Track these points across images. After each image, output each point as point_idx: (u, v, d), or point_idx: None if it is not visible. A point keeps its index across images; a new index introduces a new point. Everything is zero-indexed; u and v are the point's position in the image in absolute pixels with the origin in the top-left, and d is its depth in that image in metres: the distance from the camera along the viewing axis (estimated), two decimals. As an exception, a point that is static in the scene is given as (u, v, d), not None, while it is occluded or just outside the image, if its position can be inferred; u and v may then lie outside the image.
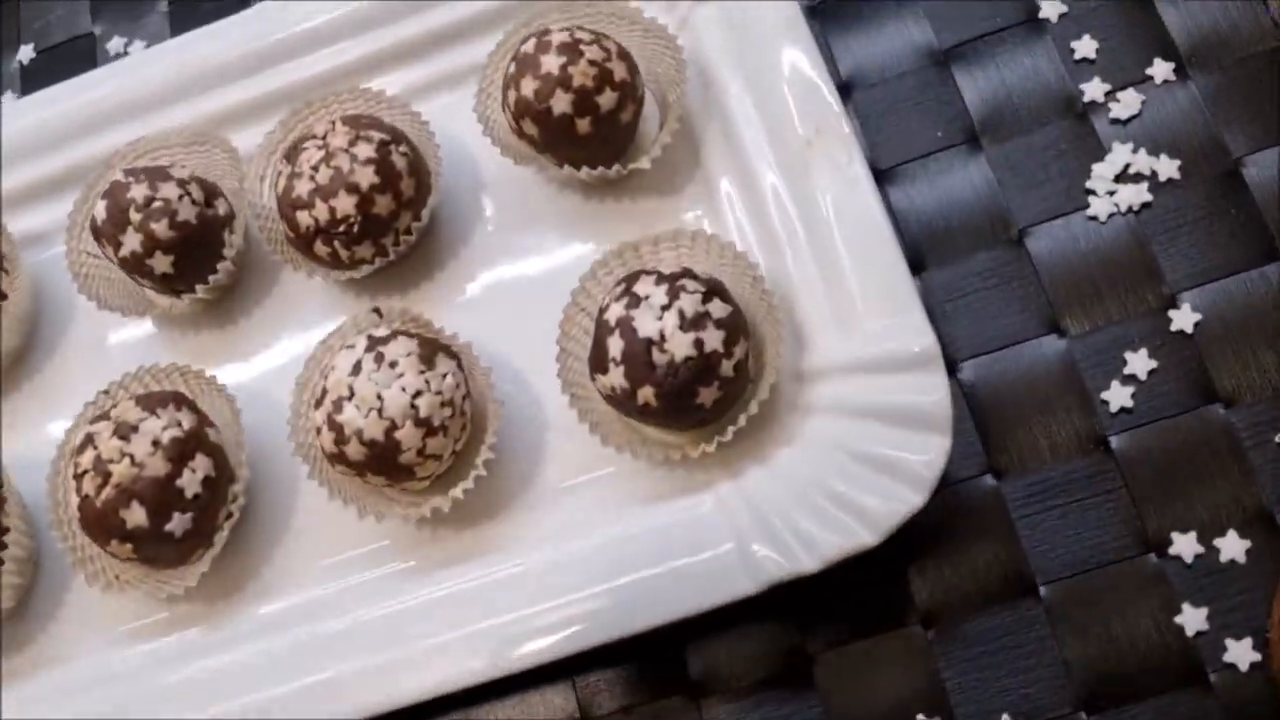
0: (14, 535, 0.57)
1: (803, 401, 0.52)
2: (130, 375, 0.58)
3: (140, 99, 0.65)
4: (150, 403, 0.55)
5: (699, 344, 0.50)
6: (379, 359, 0.52)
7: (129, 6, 0.73)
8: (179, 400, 0.56)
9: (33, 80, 0.73)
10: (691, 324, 0.50)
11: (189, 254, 0.59)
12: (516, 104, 0.56)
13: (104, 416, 0.55)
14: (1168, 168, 0.55)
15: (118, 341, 0.63)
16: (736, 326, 0.51)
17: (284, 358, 0.59)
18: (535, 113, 0.55)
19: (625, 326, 0.50)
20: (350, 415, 0.52)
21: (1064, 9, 0.59)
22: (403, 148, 0.58)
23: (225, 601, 0.57)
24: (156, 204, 0.58)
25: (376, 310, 0.57)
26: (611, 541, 0.52)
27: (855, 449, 0.50)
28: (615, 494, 0.54)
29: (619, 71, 0.56)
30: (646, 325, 0.50)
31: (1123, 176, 0.56)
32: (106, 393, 0.58)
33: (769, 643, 0.52)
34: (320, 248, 0.58)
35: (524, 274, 0.59)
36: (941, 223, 0.57)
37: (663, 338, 0.50)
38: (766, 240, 0.55)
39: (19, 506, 0.59)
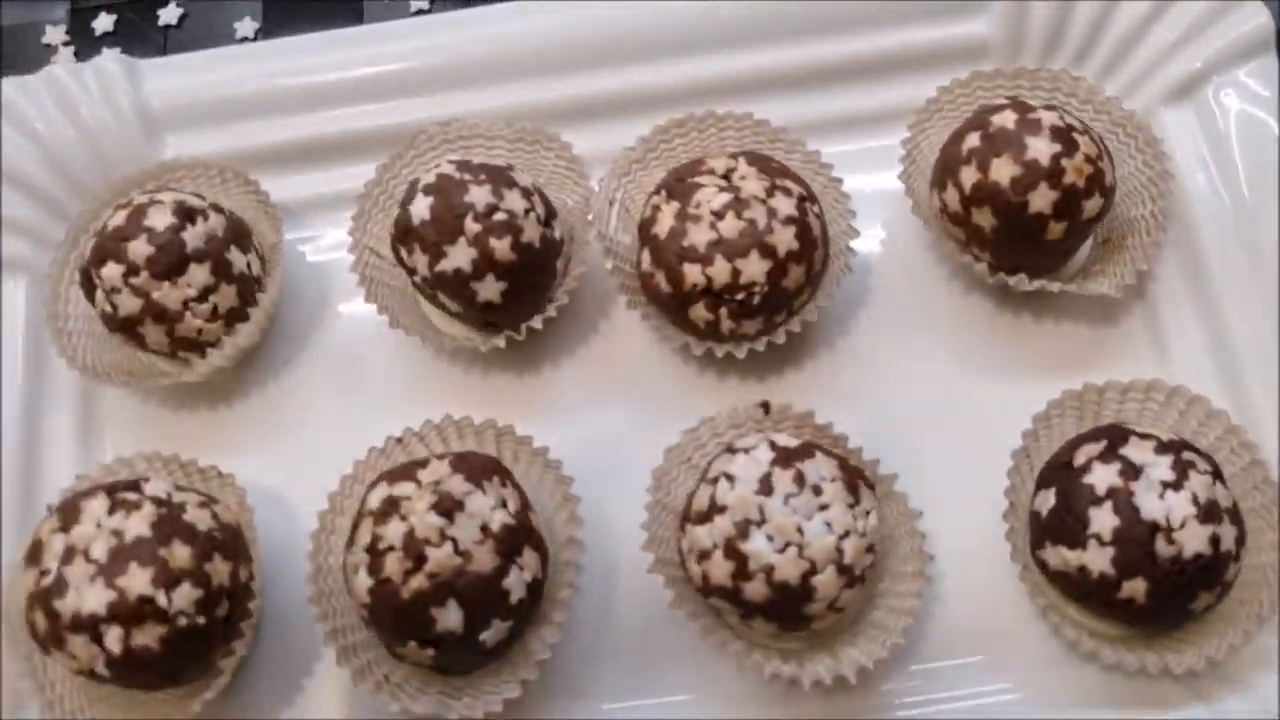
0: (255, 602, 0.45)
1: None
2: (431, 424, 0.47)
3: (443, 69, 0.54)
4: (473, 472, 0.44)
5: (1215, 541, 0.41)
6: (799, 479, 0.42)
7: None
8: (501, 473, 0.45)
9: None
10: (1207, 514, 0.41)
11: (523, 283, 0.47)
12: (976, 187, 0.46)
13: (408, 476, 0.44)
14: None
15: (387, 367, 0.51)
16: (1241, 520, 0.42)
17: (605, 430, 0.48)
18: (1003, 203, 0.45)
19: (1122, 501, 0.41)
20: (759, 546, 0.41)
21: None
22: (816, 208, 0.47)
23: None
24: (499, 215, 0.47)
25: (764, 406, 0.46)
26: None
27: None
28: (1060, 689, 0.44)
29: (1108, 175, 0.46)
30: (1150, 505, 0.41)
31: None
32: (400, 441, 0.47)
33: None
34: (699, 311, 0.47)
35: (923, 386, 0.49)
36: None
37: (1170, 525, 0.41)
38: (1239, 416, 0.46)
39: (257, 562, 0.46)
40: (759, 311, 0.46)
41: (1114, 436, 0.43)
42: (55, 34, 0.61)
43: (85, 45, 0.60)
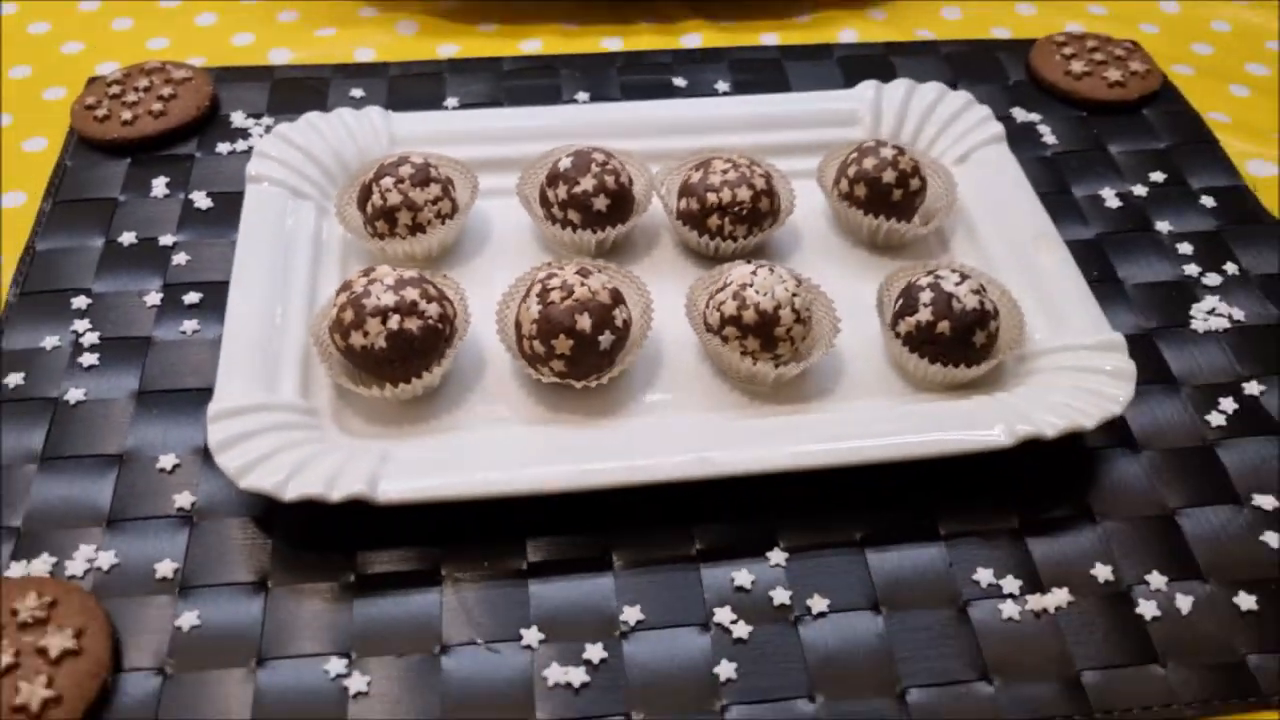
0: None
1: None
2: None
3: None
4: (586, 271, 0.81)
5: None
6: (771, 269, 0.80)
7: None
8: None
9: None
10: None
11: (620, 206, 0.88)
12: (859, 174, 0.89)
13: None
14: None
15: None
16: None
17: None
18: (872, 180, 0.89)
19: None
20: (751, 295, 0.79)
21: None
22: (773, 181, 0.90)
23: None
24: (610, 165, 0.88)
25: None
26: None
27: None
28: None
29: (920, 172, 0.90)
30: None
31: None
32: (549, 264, 0.84)
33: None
34: (714, 221, 0.87)
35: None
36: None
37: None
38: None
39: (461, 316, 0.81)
40: (746, 221, 0.87)
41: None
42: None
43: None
